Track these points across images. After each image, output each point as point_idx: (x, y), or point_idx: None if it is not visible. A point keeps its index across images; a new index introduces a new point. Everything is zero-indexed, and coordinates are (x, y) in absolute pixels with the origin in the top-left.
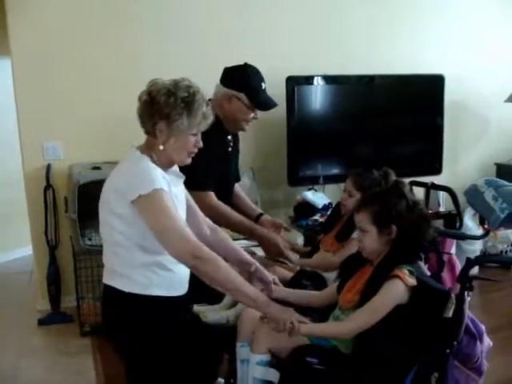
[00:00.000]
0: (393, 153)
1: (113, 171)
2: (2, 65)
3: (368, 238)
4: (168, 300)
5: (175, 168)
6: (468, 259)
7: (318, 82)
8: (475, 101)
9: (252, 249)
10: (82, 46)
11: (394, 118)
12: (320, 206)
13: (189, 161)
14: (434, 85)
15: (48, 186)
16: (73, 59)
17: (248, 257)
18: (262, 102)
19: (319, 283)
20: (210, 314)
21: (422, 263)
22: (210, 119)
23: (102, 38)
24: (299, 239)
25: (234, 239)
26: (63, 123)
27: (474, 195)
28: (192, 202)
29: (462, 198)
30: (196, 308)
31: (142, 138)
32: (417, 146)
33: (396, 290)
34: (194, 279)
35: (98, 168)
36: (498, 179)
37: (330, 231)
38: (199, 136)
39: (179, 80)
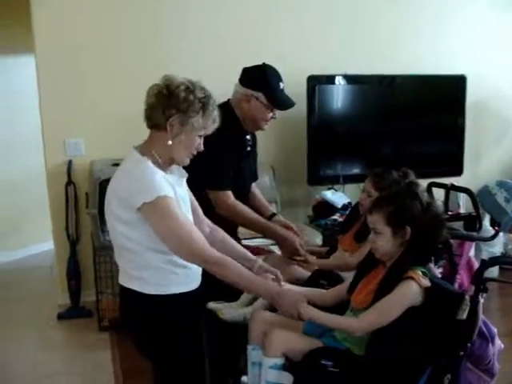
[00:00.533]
0: (413, 153)
1: (114, 176)
2: (26, 62)
3: (382, 240)
4: (186, 295)
5: (178, 166)
6: (482, 261)
7: (339, 81)
8: (498, 101)
9: (270, 247)
10: (104, 43)
11: (415, 118)
12: (339, 206)
13: (187, 162)
14: (455, 85)
15: (69, 182)
16: (95, 57)
17: (250, 255)
18: (280, 101)
19: (336, 282)
20: (228, 311)
21: (432, 265)
22: (217, 125)
23: (124, 37)
24: (318, 239)
25: (254, 237)
26: (85, 120)
27: (485, 197)
28: (194, 201)
29: None
30: (213, 305)
31: None
32: (437, 146)
33: (410, 292)
34: (212, 277)
35: (118, 164)
36: (509, 181)
37: (348, 231)
38: (202, 140)
39: (194, 80)
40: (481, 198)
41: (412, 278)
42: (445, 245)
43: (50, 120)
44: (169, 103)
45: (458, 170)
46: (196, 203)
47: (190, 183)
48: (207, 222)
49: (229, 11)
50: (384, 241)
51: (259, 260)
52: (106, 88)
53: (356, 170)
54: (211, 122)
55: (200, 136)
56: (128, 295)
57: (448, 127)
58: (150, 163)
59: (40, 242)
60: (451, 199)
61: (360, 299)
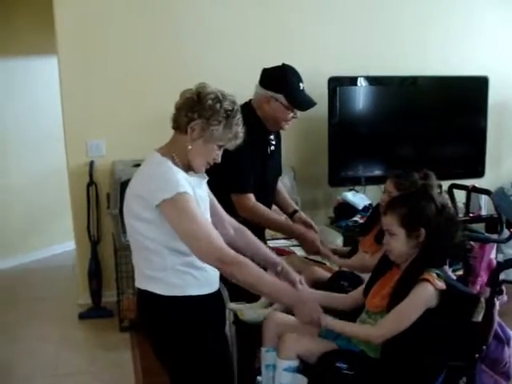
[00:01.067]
0: (435, 155)
1: (134, 177)
2: (49, 63)
3: (396, 241)
4: (202, 298)
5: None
6: (498, 263)
7: (361, 82)
8: None
9: (292, 248)
10: (126, 45)
11: (437, 119)
12: (360, 208)
13: (203, 170)
14: (477, 86)
15: (91, 183)
16: (117, 59)
17: (275, 257)
18: (300, 102)
19: (357, 284)
20: (248, 312)
21: (447, 267)
22: (239, 141)
23: (147, 39)
24: (338, 240)
25: (275, 239)
26: (106, 121)
27: (501, 198)
28: (215, 201)
29: None
30: (234, 306)
31: None
32: (459, 148)
33: (426, 294)
34: None
35: (139, 165)
36: None
37: (369, 233)
38: (221, 152)
39: (228, 93)
40: (496, 200)
41: (427, 281)
42: (461, 247)
43: (71, 121)
44: (194, 107)
45: (479, 172)
46: (217, 203)
47: (213, 186)
48: (232, 222)
49: (251, 13)
50: (398, 242)
51: (283, 263)
52: (127, 90)
53: (377, 172)
54: (232, 136)
55: (219, 147)
56: (144, 297)
57: (470, 128)
58: (170, 163)
59: (63, 242)
60: (472, 201)
61: (375, 303)
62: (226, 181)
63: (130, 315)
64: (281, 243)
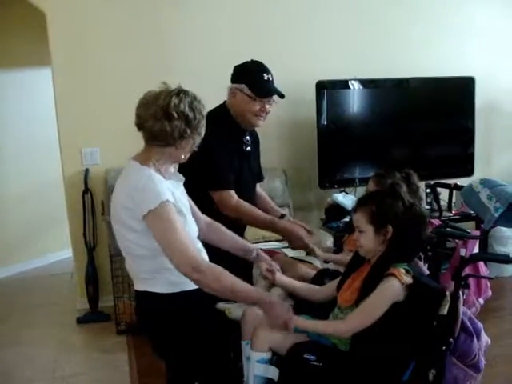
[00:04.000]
0: (425, 155)
1: (117, 186)
2: (43, 75)
3: (365, 238)
4: (197, 292)
5: (174, 170)
6: (462, 258)
7: (348, 86)
8: (509, 101)
9: (283, 250)
10: (119, 55)
11: (425, 120)
12: (350, 208)
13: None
14: (464, 87)
15: (86, 190)
16: (110, 68)
17: (249, 244)
18: (261, 89)
19: None
20: (235, 310)
21: (421, 263)
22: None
23: (139, 48)
24: (329, 241)
25: (266, 241)
26: (101, 129)
27: (469, 195)
28: (190, 200)
29: None
30: (221, 305)
31: None
32: (448, 147)
33: (392, 288)
34: None
35: None
36: (493, 179)
37: (353, 231)
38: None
39: (184, 91)
40: (465, 197)
41: (393, 275)
42: (429, 242)
43: (66, 130)
44: (190, 125)
45: (469, 171)
46: (191, 201)
47: (190, 187)
48: (204, 218)
49: (238, 17)
50: (367, 239)
51: (257, 249)
52: (120, 98)
53: (368, 173)
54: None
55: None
56: (142, 297)
57: (458, 128)
58: (151, 171)
59: (60, 250)
60: (458, 199)
61: (346, 297)
62: (204, 180)
63: (126, 318)
64: (271, 245)
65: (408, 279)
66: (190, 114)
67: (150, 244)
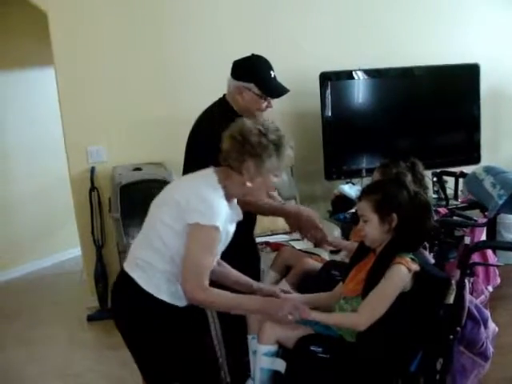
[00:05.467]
0: (431, 144)
1: (180, 182)
2: (47, 74)
3: (370, 227)
4: (174, 307)
5: (235, 202)
6: (466, 246)
7: (352, 76)
8: None
9: (291, 242)
10: (122, 53)
11: (431, 108)
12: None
13: (264, 197)
14: (469, 74)
15: (93, 188)
16: (113, 66)
17: (247, 278)
18: (272, 89)
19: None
20: None
21: (426, 252)
22: (291, 159)
23: (141, 46)
24: (336, 232)
25: (273, 233)
26: (105, 127)
27: (473, 183)
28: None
29: None
30: None
31: (179, 139)
32: (455, 135)
33: (401, 274)
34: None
35: (139, 169)
36: (497, 166)
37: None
38: (278, 178)
39: (267, 122)
40: (469, 185)
41: (400, 263)
42: (434, 231)
43: (71, 129)
44: (243, 149)
45: (475, 158)
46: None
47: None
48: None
49: (240, 11)
50: (371, 228)
51: (256, 283)
52: (124, 96)
53: (374, 163)
54: (286, 161)
55: (276, 175)
56: (125, 280)
57: (464, 116)
58: (222, 193)
59: (69, 248)
60: (465, 187)
61: (351, 287)
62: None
63: None
64: (279, 238)
65: (415, 266)
66: (254, 138)
67: (172, 244)
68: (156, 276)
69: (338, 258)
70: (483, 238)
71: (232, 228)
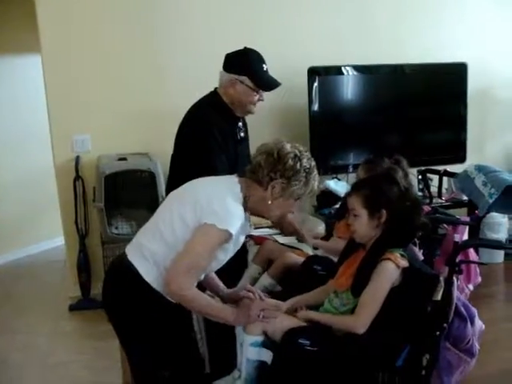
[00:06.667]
0: (418, 141)
1: (204, 182)
2: (33, 62)
3: (359, 222)
4: (168, 303)
5: (249, 215)
6: (455, 243)
7: (340, 72)
8: (503, 88)
9: (274, 236)
10: (109, 42)
11: (418, 106)
12: (342, 195)
13: (277, 218)
14: (457, 73)
15: (77, 177)
16: (100, 55)
17: (218, 282)
18: (265, 82)
19: (330, 268)
20: None
21: (415, 248)
22: (314, 194)
23: (129, 34)
24: (320, 227)
25: (257, 227)
26: (91, 117)
27: (464, 181)
28: None
29: None
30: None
31: (164, 129)
32: (441, 134)
33: (389, 270)
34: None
35: (124, 159)
36: (488, 165)
37: (343, 218)
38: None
39: (302, 149)
40: (460, 183)
41: (389, 259)
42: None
43: (57, 118)
44: (275, 168)
45: (461, 157)
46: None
47: (183, 173)
48: None
49: (228, 4)
50: (361, 223)
51: (223, 291)
52: (110, 86)
53: (361, 159)
54: (310, 190)
55: (296, 200)
56: (125, 267)
57: (451, 114)
58: (242, 203)
59: (53, 237)
60: (449, 185)
61: (341, 282)
62: (198, 168)
63: None
64: (263, 231)
65: (404, 262)
66: (290, 161)
67: (182, 237)
68: (159, 267)
69: (319, 252)
70: (465, 236)
71: (242, 239)
